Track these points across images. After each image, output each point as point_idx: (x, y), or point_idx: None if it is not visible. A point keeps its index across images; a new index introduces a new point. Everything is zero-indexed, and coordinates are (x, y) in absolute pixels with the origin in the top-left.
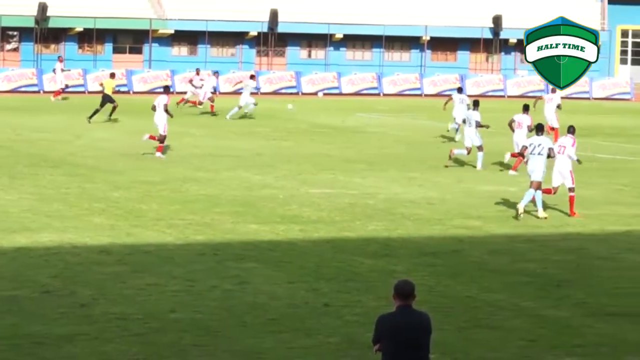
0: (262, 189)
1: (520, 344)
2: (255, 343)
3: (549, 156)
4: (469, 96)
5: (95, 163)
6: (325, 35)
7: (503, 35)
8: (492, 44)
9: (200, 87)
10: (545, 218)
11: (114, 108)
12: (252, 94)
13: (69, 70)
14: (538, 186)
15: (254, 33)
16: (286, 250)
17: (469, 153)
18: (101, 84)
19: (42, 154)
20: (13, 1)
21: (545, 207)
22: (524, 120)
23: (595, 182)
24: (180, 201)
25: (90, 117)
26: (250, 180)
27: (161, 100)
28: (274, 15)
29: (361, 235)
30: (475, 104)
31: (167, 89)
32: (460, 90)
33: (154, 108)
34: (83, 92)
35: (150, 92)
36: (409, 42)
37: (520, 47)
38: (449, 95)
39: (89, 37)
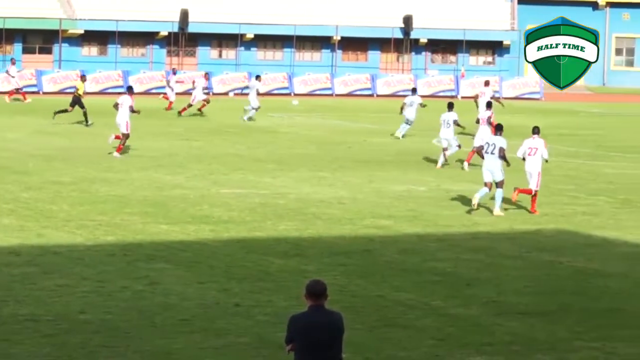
0: (172, 189)
1: (430, 342)
2: (165, 343)
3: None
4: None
5: (4, 163)
6: (236, 35)
7: (414, 35)
8: (403, 43)
9: (172, 89)
10: (500, 216)
11: (85, 113)
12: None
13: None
14: (491, 185)
15: (164, 33)
16: (197, 250)
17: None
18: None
19: None
20: None
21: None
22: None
23: (505, 182)
24: (90, 202)
25: (58, 112)
26: (161, 180)
27: (125, 100)
28: (184, 15)
29: (272, 235)
30: (450, 106)
31: (130, 89)
32: (414, 91)
33: (116, 107)
34: None
35: (61, 92)
36: (319, 42)
37: (429, 46)
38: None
39: None
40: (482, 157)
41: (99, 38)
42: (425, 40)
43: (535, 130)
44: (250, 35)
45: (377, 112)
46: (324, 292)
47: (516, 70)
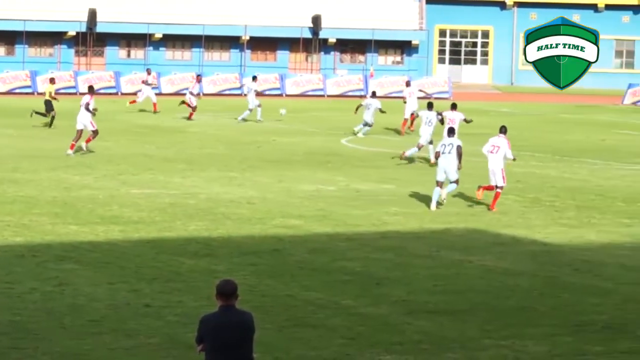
0: (81, 189)
1: (340, 342)
2: (75, 345)
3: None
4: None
5: None
6: (144, 35)
7: (322, 35)
8: (312, 43)
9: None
10: (433, 210)
11: (52, 118)
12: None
13: None
14: (440, 185)
15: (72, 33)
16: (106, 251)
17: (419, 149)
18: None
19: None
20: None
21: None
22: (457, 117)
23: (415, 180)
24: None
25: (35, 112)
26: (69, 181)
27: (84, 99)
28: (92, 14)
29: (182, 235)
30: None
31: (91, 89)
32: (374, 94)
33: (86, 107)
34: None
35: None
36: (228, 42)
37: (338, 46)
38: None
39: None
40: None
41: (6, 38)
42: (334, 40)
43: (502, 130)
44: (158, 35)
45: (287, 112)
46: (234, 292)
47: (425, 70)
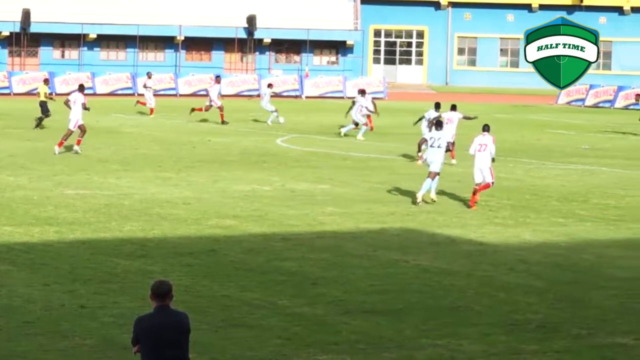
0: (15, 190)
1: (277, 342)
2: (10, 347)
3: (447, 149)
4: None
5: None
6: (78, 35)
7: (257, 35)
8: (247, 43)
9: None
10: (418, 204)
11: (40, 119)
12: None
13: None
14: (435, 176)
15: (5, 33)
16: (41, 252)
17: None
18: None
19: None
20: None
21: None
22: (454, 117)
23: (350, 181)
24: None
25: (37, 125)
26: (3, 181)
27: (78, 98)
28: (26, 15)
29: (117, 236)
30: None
31: (81, 88)
32: (362, 92)
33: (67, 104)
34: None
35: None
36: (163, 42)
37: (274, 46)
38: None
39: None
40: (419, 150)
41: None
42: (269, 40)
43: (486, 128)
44: (93, 35)
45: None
46: (169, 292)
47: (360, 70)
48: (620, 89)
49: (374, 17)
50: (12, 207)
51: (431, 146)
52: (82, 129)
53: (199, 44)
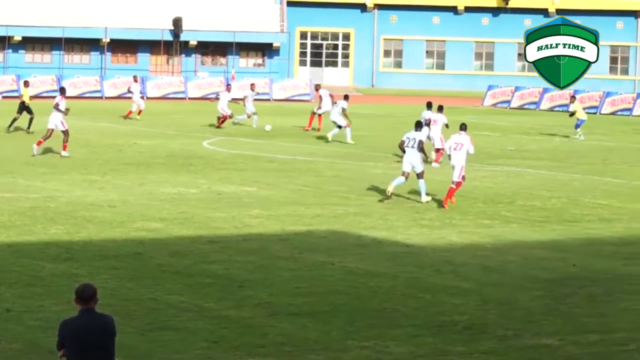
0: None
1: (203, 345)
2: None
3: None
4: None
5: None
6: (3, 38)
7: (183, 37)
8: (173, 46)
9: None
10: (428, 202)
11: (14, 120)
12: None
13: None
14: (406, 175)
15: None
16: None
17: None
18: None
19: None
20: None
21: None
22: (440, 118)
23: (275, 183)
24: None
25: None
26: None
27: (61, 101)
28: None
29: (42, 239)
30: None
31: (62, 91)
32: (346, 97)
33: (56, 107)
34: None
35: None
36: (89, 44)
37: (200, 49)
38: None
39: None
40: (403, 151)
41: None
42: (195, 43)
43: (463, 127)
44: (17, 38)
45: (147, 115)
46: (93, 295)
47: (286, 72)
48: (545, 90)
49: (300, 19)
50: None
51: (407, 146)
52: (53, 134)
53: (124, 46)
